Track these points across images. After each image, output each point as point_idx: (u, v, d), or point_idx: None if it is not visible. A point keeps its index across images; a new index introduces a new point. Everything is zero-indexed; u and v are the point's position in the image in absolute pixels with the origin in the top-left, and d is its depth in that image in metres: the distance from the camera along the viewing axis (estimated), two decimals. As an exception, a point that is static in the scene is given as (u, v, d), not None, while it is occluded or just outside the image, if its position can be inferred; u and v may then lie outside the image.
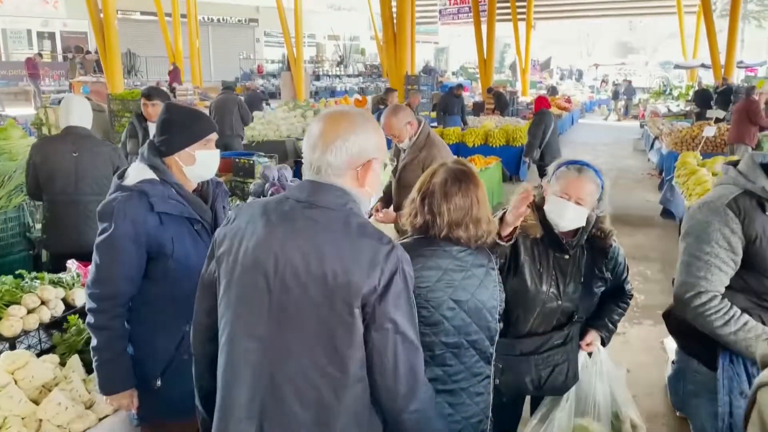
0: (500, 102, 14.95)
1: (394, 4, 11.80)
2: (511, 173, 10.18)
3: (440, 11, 27.44)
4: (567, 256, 2.26)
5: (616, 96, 23.90)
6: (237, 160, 6.43)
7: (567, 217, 2.20)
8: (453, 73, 32.09)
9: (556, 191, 2.22)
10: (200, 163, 2.18)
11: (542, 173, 8.95)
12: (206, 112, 9.50)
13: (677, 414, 3.47)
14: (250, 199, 4.58)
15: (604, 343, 2.41)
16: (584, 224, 2.24)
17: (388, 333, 1.48)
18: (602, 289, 2.33)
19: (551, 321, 2.29)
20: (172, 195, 2.11)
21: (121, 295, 2.04)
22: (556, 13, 28.23)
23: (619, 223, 8.17)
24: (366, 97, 15.73)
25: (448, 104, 12.14)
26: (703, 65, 21.99)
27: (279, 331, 1.49)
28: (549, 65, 35.52)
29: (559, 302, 2.26)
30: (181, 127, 2.18)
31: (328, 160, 1.51)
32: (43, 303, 2.68)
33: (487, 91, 16.48)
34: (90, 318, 2.03)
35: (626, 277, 2.45)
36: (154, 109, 4.73)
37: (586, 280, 2.27)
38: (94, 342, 2.05)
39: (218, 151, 2.27)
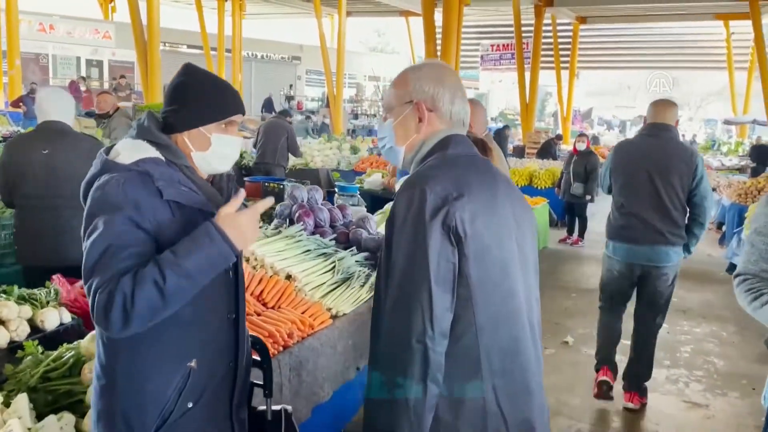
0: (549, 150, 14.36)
1: (438, 45, 11.56)
2: (559, 218, 9.37)
3: (482, 57, 27.22)
4: None
5: None
6: (266, 184, 5.97)
7: None
8: (492, 119, 31.73)
9: None
10: (215, 150, 1.60)
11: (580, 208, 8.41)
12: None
13: None
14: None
15: None
16: None
17: None
18: None
19: None
20: (182, 180, 1.55)
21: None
22: (599, 63, 27.72)
23: (683, 278, 7.40)
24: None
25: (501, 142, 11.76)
26: (755, 121, 21.11)
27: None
28: (590, 115, 34.91)
29: None
30: (199, 98, 1.59)
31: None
32: (2, 323, 2.14)
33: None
34: (116, 309, 1.37)
35: None
36: (102, 97, 4.55)
37: None
38: (155, 298, 1.39)
39: (241, 138, 1.69)
